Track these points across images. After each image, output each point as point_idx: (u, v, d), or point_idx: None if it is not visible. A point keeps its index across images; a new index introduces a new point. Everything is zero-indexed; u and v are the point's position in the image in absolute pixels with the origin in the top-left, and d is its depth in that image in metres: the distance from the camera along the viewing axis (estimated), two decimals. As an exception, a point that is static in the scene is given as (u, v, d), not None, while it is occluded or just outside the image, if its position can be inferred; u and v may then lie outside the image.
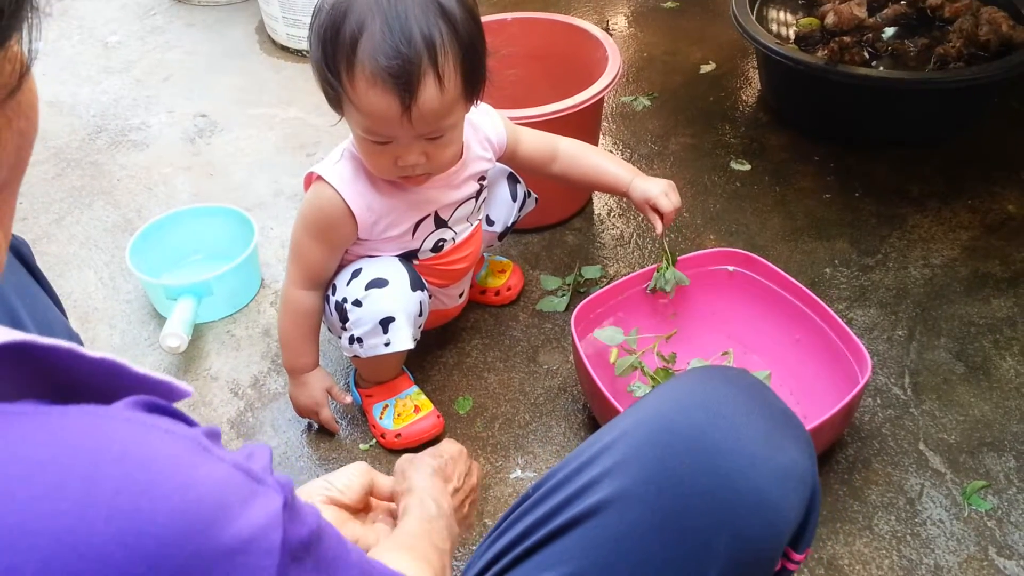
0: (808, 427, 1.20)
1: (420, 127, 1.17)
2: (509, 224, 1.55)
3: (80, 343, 1.06)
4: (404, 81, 1.11)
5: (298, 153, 2.12)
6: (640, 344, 1.47)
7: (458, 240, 1.43)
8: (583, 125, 1.70)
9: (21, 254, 1.02)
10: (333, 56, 1.14)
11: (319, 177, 1.30)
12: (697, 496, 0.76)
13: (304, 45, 2.45)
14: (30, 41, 0.45)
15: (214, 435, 0.47)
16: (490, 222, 1.52)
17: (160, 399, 0.47)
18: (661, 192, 1.44)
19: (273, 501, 0.46)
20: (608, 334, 1.45)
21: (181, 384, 0.50)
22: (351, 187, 1.28)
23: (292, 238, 1.35)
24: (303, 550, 0.47)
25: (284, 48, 2.53)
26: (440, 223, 1.38)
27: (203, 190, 2.03)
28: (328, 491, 0.89)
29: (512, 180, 1.53)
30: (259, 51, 2.56)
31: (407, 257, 1.37)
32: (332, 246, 1.33)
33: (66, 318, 1.05)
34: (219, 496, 0.43)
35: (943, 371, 1.51)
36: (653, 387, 1.39)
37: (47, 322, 1.00)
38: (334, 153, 1.33)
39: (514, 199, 1.53)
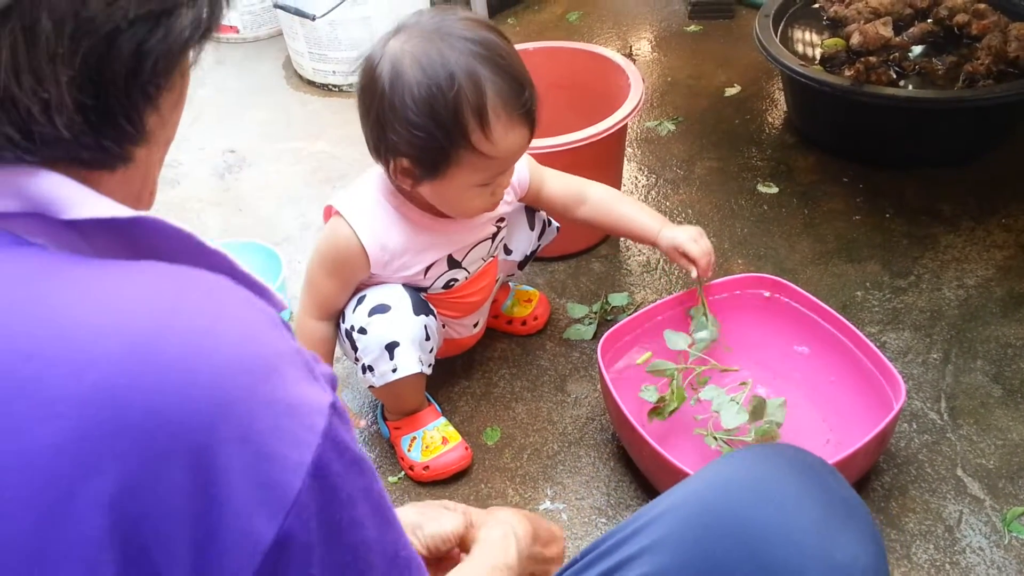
0: (842, 455, 1.20)
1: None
2: (528, 253, 1.55)
3: None
4: (532, 113, 1.20)
5: (325, 187, 2.14)
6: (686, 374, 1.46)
7: (471, 276, 1.43)
8: (606, 152, 1.70)
9: None
10: (457, 119, 1.14)
11: (337, 212, 1.30)
12: None
13: (332, 79, 2.48)
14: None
15: (334, 382, 0.53)
16: (508, 251, 1.52)
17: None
18: (689, 238, 1.42)
19: (322, 396, 0.49)
20: (673, 339, 1.45)
21: (278, 295, 0.54)
22: (368, 227, 1.29)
23: (307, 269, 1.36)
24: (350, 461, 0.49)
25: (310, 82, 2.56)
26: (453, 264, 1.38)
27: (232, 225, 2.05)
28: (412, 534, 0.88)
29: (531, 210, 1.53)
30: (286, 86, 2.59)
31: (416, 289, 1.38)
32: (345, 282, 1.34)
33: None
34: (278, 360, 0.47)
35: (980, 394, 1.48)
36: (667, 400, 1.39)
37: None
38: (356, 188, 1.34)
39: (532, 228, 1.53)
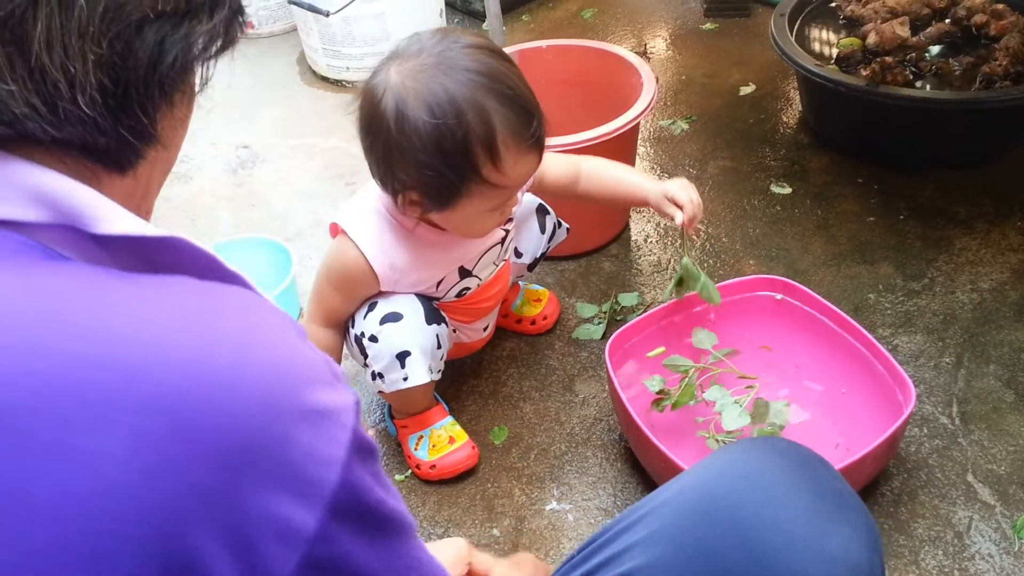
0: (851, 459, 1.19)
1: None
2: (538, 255, 1.55)
3: None
4: (541, 140, 1.18)
5: (337, 183, 2.14)
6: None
7: (483, 283, 1.42)
8: (619, 151, 1.68)
9: None
10: (467, 155, 1.12)
11: (343, 232, 1.29)
12: (728, 571, 0.71)
13: (346, 75, 2.48)
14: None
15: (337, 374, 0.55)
16: (518, 254, 1.52)
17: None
18: (678, 185, 1.40)
19: (349, 396, 0.52)
20: (700, 337, 1.44)
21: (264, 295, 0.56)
22: (376, 247, 1.27)
23: (316, 279, 1.35)
24: (368, 452, 0.52)
25: (324, 78, 2.56)
26: (465, 274, 1.38)
27: (244, 221, 2.05)
28: None
29: (541, 212, 1.52)
30: (300, 82, 2.59)
31: (428, 298, 1.37)
32: (353, 298, 1.33)
33: None
34: (309, 367, 0.50)
35: (992, 399, 1.46)
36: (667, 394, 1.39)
37: None
38: (360, 203, 1.31)
39: (543, 231, 1.52)
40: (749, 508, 0.73)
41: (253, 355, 0.47)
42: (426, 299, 1.34)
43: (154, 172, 0.57)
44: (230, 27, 0.55)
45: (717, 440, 1.35)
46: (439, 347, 1.34)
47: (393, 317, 1.30)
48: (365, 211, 1.30)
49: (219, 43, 0.54)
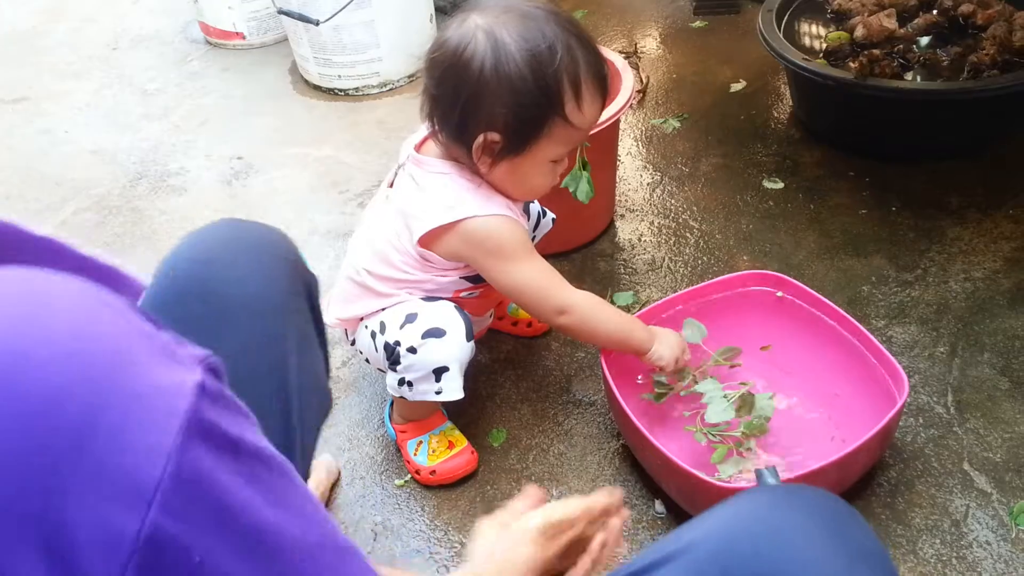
0: (845, 451, 1.19)
1: None
2: None
3: (330, 402, 1.09)
4: (607, 85, 1.23)
5: (331, 191, 2.15)
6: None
7: None
8: (598, 151, 1.67)
9: (311, 294, 1.05)
10: (555, 87, 1.16)
11: (467, 219, 1.24)
12: None
13: (337, 83, 2.49)
14: None
15: (157, 324, 0.47)
16: None
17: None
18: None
19: (189, 375, 0.45)
20: (690, 331, 1.45)
21: (132, 274, 0.51)
22: (496, 206, 1.26)
23: (519, 274, 1.28)
24: (231, 445, 0.46)
25: (316, 87, 2.57)
26: None
27: (240, 231, 2.06)
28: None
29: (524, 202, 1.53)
30: (292, 91, 2.61)
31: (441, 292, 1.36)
32: (536, 253, 1.30)
33: (328, 374, 1.09)
34: (117, 343, 0.43)
35: (987, 387, 1.47)
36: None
37: (310, 379, 1.01)
38: (447, 192, 1.26)
39: (528, 219, 1.53)
40: (777, 572, 0.71)
41: (33, 336, 0.41)
42: (465, 313, 1.31)
43: None
44: None
45: (704, 433, 1.36)
46: (469, 359, 1.34)
47: (437, 332, 1.27)
48: (460, 192, 1.26)
49: None
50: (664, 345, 1.35)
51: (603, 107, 1.25)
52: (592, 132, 1.57)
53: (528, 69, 1.15)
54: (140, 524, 0.41)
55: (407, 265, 1.31)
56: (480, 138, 1.19)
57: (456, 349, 1.29)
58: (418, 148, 1.31)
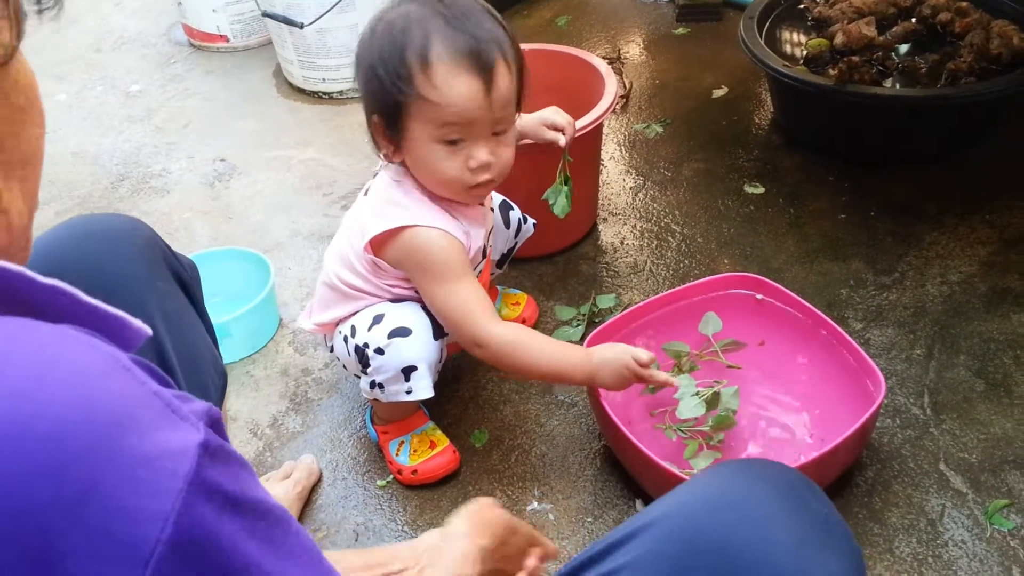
0: (822, 450, 1.21)
1: (496, 110, 1.21)
2: (506, 252, 1.56)
3: (225, 380, 1.10)
4: (483, 62, 1.19)
5: (315, 193, 2.15)
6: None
7: (480, 272, 1.43)
8: (580, 154, 1.69)
9: (182, 279, 1.08)
10: (402, 64, 1.18)
11: (408, 227, 1.25)
12: None
13: (321, 87, 2.49)
14: (16, 23, 0.49)
15: (159, 376, 0.48)
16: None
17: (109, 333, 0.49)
18: (551, 110, 1.51)
19: (189, 437, 0.45)
20: (675, 348, 1.48)
21: (137, 322, 0.51)
22: (437, 220, 1.27)
23: (443, 295, 1.27)
24: (234, 502, 0.46)
25: (300, 90, 2.57)
26: (484, 255, 1.39)
27: (222, 233, 2.06)
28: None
29: (505, 208, 1.54)
30: (276, 94, 2.61)
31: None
32: (471, 273, 1.30)
33: (218, 351, 1.10)
34: (126, 408, 0.43)
35: (963, 389, 1.49)
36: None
37: (192, 357, 1.03)
38: (387, 201, 1.29)
39: (508, 226, 1.54)
40: (736, 541, 0.73)
41: (36, 404, 0.41)
42: (430, 312, 1.32)
43: None
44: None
45: (674, 430, 1.38)
46: (440, 360, 1.35)
47: (402, 332, 1.29)
48: (398, 201, 1.28)
49: None
50: (607, 373, 1.27)
51: (481, 84, 1.18)
52: (575, 136, 1.60)
53: (377, 50, 1.20)
54: None
55: (365, 271, 1.32)
56: (371, 125, 1.26)
57: (423, 348, 1.30)
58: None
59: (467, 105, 1.19)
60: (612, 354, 1.27)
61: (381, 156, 1.30)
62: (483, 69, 1.19)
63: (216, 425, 0.48)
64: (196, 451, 0.44)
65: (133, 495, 0.42)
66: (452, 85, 1.18)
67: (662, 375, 1.27)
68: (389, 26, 1.20)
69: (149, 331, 0.52)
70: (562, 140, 1.49)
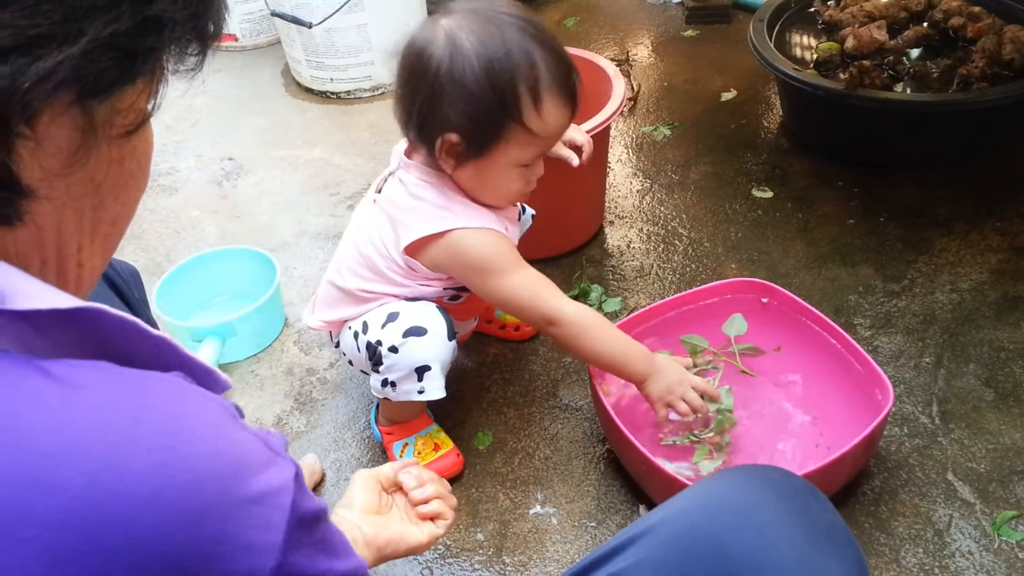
0: (829, 459, 1.19)
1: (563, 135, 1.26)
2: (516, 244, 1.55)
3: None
4: (575, 93, 1.21)
5: (321, 193, 2.15)
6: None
7: None
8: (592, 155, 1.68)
9: (114, 284, 1.05)
10: (512, 94, 1.16)
11: (453, 231, 1.24)
12: None
13: (329, 86, 2.49)
14: (156, 95, 0.52)
15: (239, 412, 0.54)
16: None
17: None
18: (571, 127, 1.48)
19: (287, 470, 0.51)
20: (693, 341, 1.48)
21: (223, 375, 0.56)
22: (489, 221, 1.26)
23: (508, 286, 1.26)
24: (311, 521, 0.52)
25: (308, 90, 2.57)
26: None
27: (229, 232, 2.06)
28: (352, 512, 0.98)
29: None
30: (284, 93, 2.60)
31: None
32: (524, 261, 1.29)
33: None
34: (243, 454, 0.49)
35: (972, 398, 1.47)
36: None
37: None
38: (429, 206, 1.26)
39: (519, 218, 1.53)
40: (737, 547, 0.72)
41: (174, 456, 0.45)
42: (446, 312, 1.31)
43: (63, 219, 0.50)
44: (87, 67, 0.45)
45: (680, 437, 1.38)
46: (452, 359, 1.34)
47: (418, 331, 1.27)
48: (440, 209, 1.26)
49: (74, 80, 0.45)
50: (661, 379, 1.28)
51: (571, 114, 1.23)
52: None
53: (484, 74, 1.15)
54: None
55: (391, 272, 1.31)
56: (440, 140, 1.20)
57: (437, 348, 1.29)
58: (408, 154, 1.31)
59: (559, 135, 1.25)
60: (674, 367, 1.31)
61: (420, 164, 1.26)
62: (574, 100, 1.22)
63: (287, 449, 0.53)
64: (293, 484, 0.50)
65: (254, 531, 0.47)
66: (556, 117, 1.20)
67: (705, 408, 1.31)
68: (485, 45, 1.15)
69: (231, 383, 0.57)
70: (575, 161, 1.46)
